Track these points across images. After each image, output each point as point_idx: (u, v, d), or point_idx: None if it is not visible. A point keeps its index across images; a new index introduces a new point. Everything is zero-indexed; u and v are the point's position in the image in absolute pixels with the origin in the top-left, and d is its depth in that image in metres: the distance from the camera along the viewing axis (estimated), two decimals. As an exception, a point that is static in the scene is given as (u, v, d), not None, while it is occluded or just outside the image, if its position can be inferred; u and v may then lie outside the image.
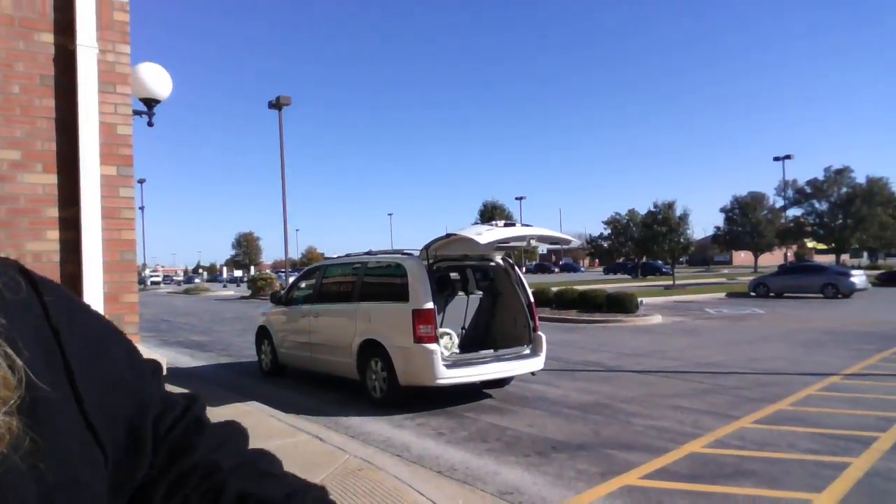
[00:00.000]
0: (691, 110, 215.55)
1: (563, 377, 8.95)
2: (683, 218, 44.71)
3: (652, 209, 47.08)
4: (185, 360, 12.42)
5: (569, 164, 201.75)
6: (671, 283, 36.02)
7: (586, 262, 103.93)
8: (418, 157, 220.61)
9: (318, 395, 8.26)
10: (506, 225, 7.42)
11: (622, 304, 17.94)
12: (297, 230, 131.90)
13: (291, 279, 12.69)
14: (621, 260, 64.40)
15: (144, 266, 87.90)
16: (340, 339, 8.08)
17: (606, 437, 5.88)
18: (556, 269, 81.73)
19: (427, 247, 7.40)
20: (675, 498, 4.37)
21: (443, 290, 7.93)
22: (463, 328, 8.32)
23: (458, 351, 7.65)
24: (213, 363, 11.96)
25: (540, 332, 7.96)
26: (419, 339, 6.89)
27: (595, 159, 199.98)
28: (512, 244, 7.74)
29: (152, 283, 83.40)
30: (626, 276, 54.86)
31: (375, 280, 8.10)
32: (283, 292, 10.30)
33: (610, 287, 28.29)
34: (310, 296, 9.23)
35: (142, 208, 63.63)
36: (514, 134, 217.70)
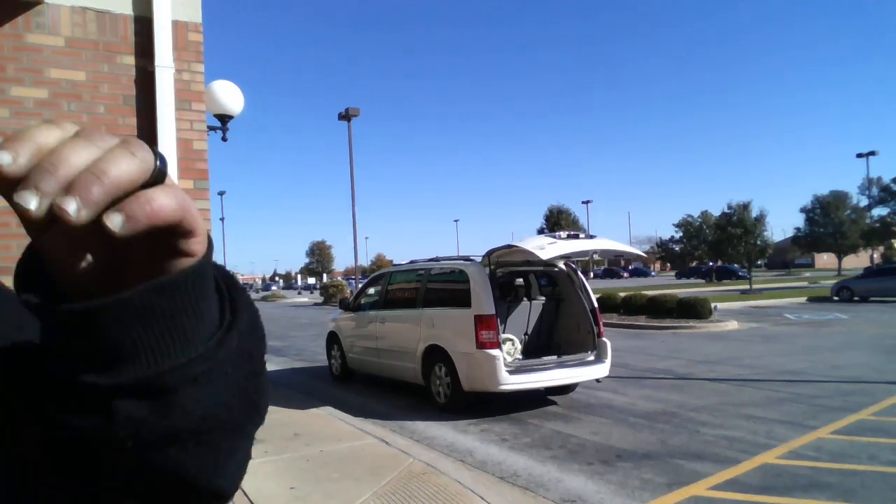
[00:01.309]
0: (768, 104, 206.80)
1: (630, 385, 8.79)
2: (760, 219, 42.84)
3: (726, 210, 45.36)
4: (261, 364, 12.90)
5: (637, 166, 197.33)
6: (748, 287, 34.62)
7: (657, 266, 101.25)
8: (484, 164, 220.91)
9: (386, 400, 8.43)
10: (569, 237, 7.33)
11: (694, 310, 17.40)
12: (366, 238, 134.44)
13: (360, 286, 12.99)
14: (695, 264, 62.46)
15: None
16: (405, 345, 8.22)
17: (674, 446, 5.75)
18: (626, 274, 79.83)
19: (489, 253, 7.45)
20: (746, 511, 4.24)
21: (505, 295, 7.96)
22: (526, 334, 8.31)
23: (520, 357, 7.65)
24: (287, 367, 12.39)
25: (605, 339, 7.85)
26: (481, 345, 6.93)
27: (665, 159, 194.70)
28: (575, 258, 7.70)
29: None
30: (699, 281, 53.10)
31: (438, 286, 8.20)
32: (350, 299, 10.55)
33: (682, 292, 27.50)
34: (376, 302, 9.43)
35: (222, 219, 66.46)
36: (582, 137, 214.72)
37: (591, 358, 7.78)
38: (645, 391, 8.30)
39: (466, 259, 7.91)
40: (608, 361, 7.72)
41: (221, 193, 66.32)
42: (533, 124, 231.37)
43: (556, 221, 61.17)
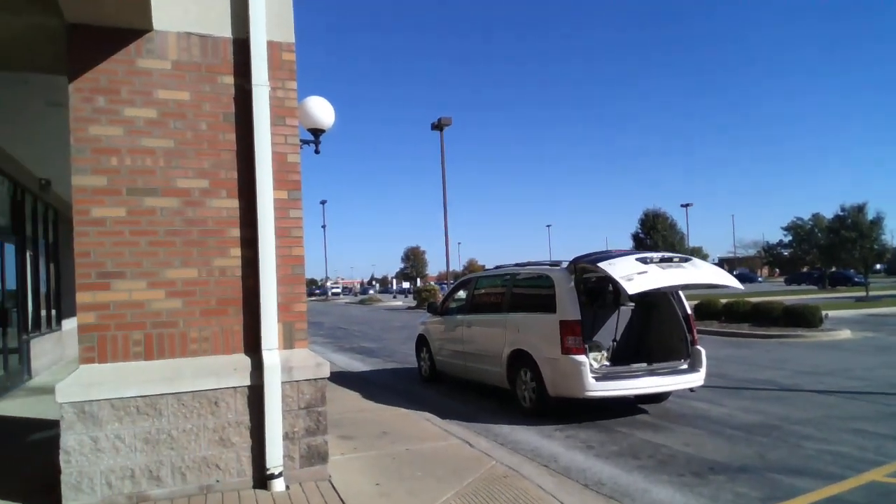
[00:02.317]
0: (883, 99, 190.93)
1: (728, 395, 8.39)
2: (877, 221, 39.70)
3: (839, 213, 42.31)
4: (357, 364, 13.35)
5: (741, 167, 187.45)
6: (864, 294, 32.12)
7: (765, 271, 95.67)
8: (578, 168, 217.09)
9: (473, 402, 8.49)
10: (662, 260, 6.85)
11: (803, 318, 16.34)
12: (458, 243, 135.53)
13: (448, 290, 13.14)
14: (805, 269, 58.58)
15: (327, 279, 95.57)
16: (491, 349, 8.26)
17: (772, 460, 5.45)
18: (730, 280, 76.08)
19: (576, 261, 7.33)
20: (849, 532, 3.97)
21: (593, 301, 7.82)
22: (614, 340, 8.13)
23: (608, 363, 7.49)
24: (379, 368, 12.74)
25: (699, 347, 7.55)
26: (567, 351, 6.86)
27: (772, 160, 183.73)
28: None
29: (333, 293, 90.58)
30: (811, 287, 49.72)
31: (524, 291, 8.18)
32: (439, 303, 10.72)
33: (790, 299, 25.90)
34: (462, 306, 9.54)
35: (323, 227, 69.29)
36: (679, 136, 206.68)
37: (685, 366, 7.51)
38: (744, 402, 7.90)
39: (552, 264, 7.84)
40: (703, 370, 7.43)
41: (323, 202, 69.19)
42: (628, 126, 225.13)
43: (653, 226, 59.07)
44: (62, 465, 4.11)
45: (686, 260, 7.07)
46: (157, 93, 4.66)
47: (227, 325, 4.73)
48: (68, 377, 4.29)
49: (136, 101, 4.59)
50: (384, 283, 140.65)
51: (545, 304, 7.38)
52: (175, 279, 4.62)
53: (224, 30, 4.81)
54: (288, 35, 4.99)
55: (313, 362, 4.80)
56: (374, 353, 15.70)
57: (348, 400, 8.25)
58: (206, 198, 4.74)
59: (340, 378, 10.51)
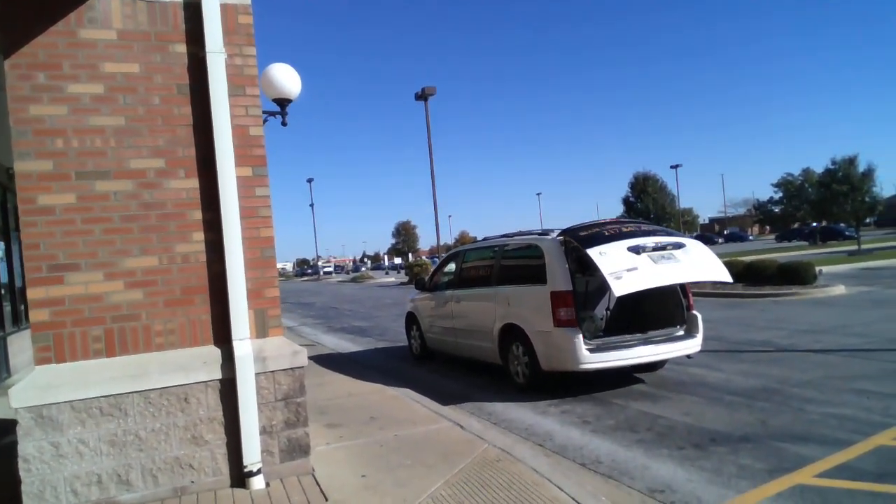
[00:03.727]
0: (872, 51, 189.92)
1: (726, 359, 8.19)
2: (868, 174, 39.46)
3: (830, 166, 42.02)
4: (347, 345, 13.10)
5: (730, 126, 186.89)
6: (856, 248, 32.10)
7: (755, 229, 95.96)
8: (566, 135, 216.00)
9: (465, 380, 8.26)
10: (655, 249, 6.38)
11: (797, 275, 16.20)
12: (449, 216, 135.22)
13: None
14: (797, 226, 58.61)
15: (318, 258, 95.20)
16: (481, 324, 7.99)
17: (775, 427, 5.23)
18: (720, 240, 75.84)
19: (566, 232, 6.98)
20: (859, 500, 3.75)
21: (584, 270, 7.54)
22: (608, 309, 7.87)
23: (602, 334, 7.23)
24: (370, 348, 12.48)
25: (695, 311, 7.31)
26: (559, 323, 6.59)
27: (761, 117, 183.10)
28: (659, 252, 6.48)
29: (325, 272, 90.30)
30: (802, 244, 49.74)
31: (512, 263, 7.89)
32: (427, 279, 10.42)
33: (783, 256, 25.81)
34: (451, 281, 9.25)
35: (311, 205, 68.51)
36: (667, 98, 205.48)
37: (681, 333, 7.28)
38: (742, 366, 7.70)
39: (542, 233, 7.53)
40: (699, 336, 7.20)
41: (310, 181, 68.26)
42: (615, 90, 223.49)
43: (643, 189, 58.87)
44: (22, 474, 3.82)
45: (679, 246, 6.63)
46: (104, 66, 4.27)
47: (194, 315, 4.42)
48: (23, 380, 3.98)
49: (81, 76, 4.21)
50: (376, 259, 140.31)
51: (535, 275, 7.09)
52: (134, 269, 4.29)
53: (172, -7, 4.41)
54: (243, -4, 4.59)
55: (289, 351, 4.51)
56: (366, 332, 15.45)
57: (337, 384, 7.99)
58: (163, 178, 4.39)
59: (330, 361, 10.25)
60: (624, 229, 6.76)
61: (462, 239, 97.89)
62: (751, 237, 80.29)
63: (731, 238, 76.75)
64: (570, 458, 4.84)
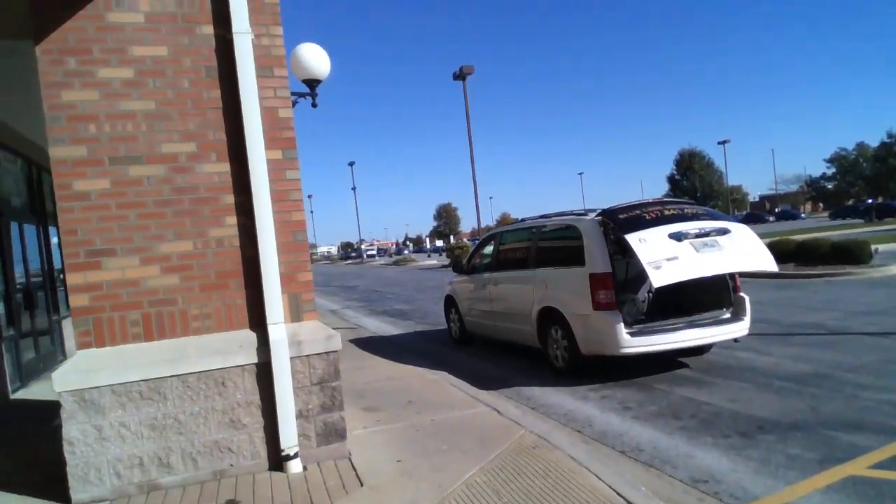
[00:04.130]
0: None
1: (775, 342, 7.89)
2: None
3: (885, 140, 40.12)
4: (388, 328, 13.15)
5: (779, 100, 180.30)
6: (917, 225, 30.67)
7: (808, 207, 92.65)
8: (609, 111, 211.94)
9: (504, 363, 8.17)
10: (698, 236, 6.14)
11: (851, 254, 15.52)
12: (490, 198, 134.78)
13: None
14: (851, 202, 56.33)
15: (362, 241, 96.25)
16: (519, 307, 7.87)
17: (827, 414, 4.99)
18: (771, 218, 73.45)
19: (605, 212, 6.76)
20: (922, 496, 3.54)
21: (625, 252, 7.32)
22: (650, 292, 7.64)
23: (644, 317, 7.03)
24: (411, 331, 12.49)
25: (742, 293, 7.04)
26: (598, 306, 6.42)
27: (813, 89, 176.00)
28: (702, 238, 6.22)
29: (368, 256, 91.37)
30: (857, 221, 47.81)
31: (550, 244, 7.72)
32: (464, 261, 10.33)
33: (836, 234, 24.84)
34: (488, 264, 9.13)
35: (353, 189, 69.10)
36: (714, 73, 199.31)
37: (727, 315, 7.02)
38: (792, 349, 7.40)
39: (579, 214, 7.34)
40: (747, 319, 6.93)
41: (352, 164, 68.85)
42: (659, 63, 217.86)
43: (689, 166, 57.46)
44: (67, 456, 3.90)
45: (723, 232, 6.34)
46: (132, 49, 4.26)
47: (230, 299, 4.43)
48: (65, 364, 4.06)
49: (111, 60, 4.21)
50: (418, 242, 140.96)
51: (573, 256, 6.92)
52: (169, 253, 4.31)
53: (199, -27, 4.36)
54: (269, -25, 4.52)
55: (323, 335, 4.48)
56: (407, 315, 15.48)
57: (376, 367, 8.00)
58: (195, 162, 4.38)
59: (370, 344, 10.29)
60: (666, 212, 6.50)
61: (503, 220, 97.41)
62: (803, 215, 77.50)
63: (782, 216, 74.25)
64: (610, 446, 4.71)
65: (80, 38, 4.15)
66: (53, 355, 10.08)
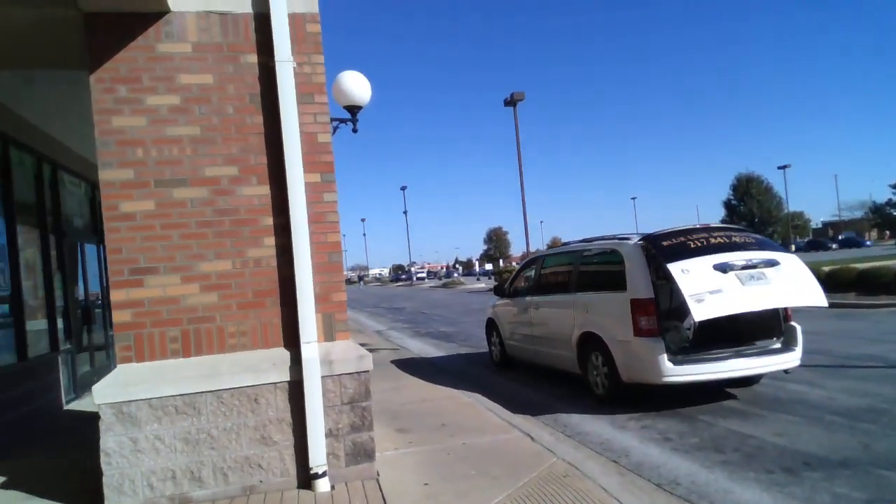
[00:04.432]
0: None
1: (830, 375, 7.53)
2: None
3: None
4: (431, 349, 13.16)
5: (843, 123, 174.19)
6: None
7: (873, 234, 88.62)
8: (663, 139, 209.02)
9: (544, 389, 8.04)
10: (745, 268, 5.97)
11: (918, 284, 14.76)
12: (541, 221, 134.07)
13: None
14: (921, 230, 53.56)
15: (412, 263, 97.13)
16: (560, 332, 7.76)
17: (880, 452, 4.71)
18: (834, 246, 70.56)
19: (648, 237, 6.63)
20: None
21: (669, 277, 7.14)
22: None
23: (689, 345, 6.81)
24: (453, 353, 12.47)
25: (794, 323, 6.77)
26: (639, 332, 6.27)
27: (877, 113, 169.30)
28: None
29: (418, 278, 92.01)
30: (928, 250, 45.49)
31: (592, 269, 7.60)
32: (506, 285, 10.27)
33: (903, 263, 23.63)
34: (530, 287, 9.06)
35: (405, 212, 70.07)
36: (774, 97, 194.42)
37: (777, 345, 6.75)
38: (847, 383, 7.04)
39: (622, 238, 7.21)
40: (799, 349, 6.64)
41: (403, 188, 69.89)
42: (717, 91, 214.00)
43: (746, 191, 55.94)
44: (103, 466, 4.03)
45: (772, 264, 6.14)
46: (180, 78, 4.46)
47: (266, 318, 4.52)
48: (106, 377, 4.20)
49: (159, 88, 4.41)
50: (468, 265, 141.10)
51: (615, 281, 6.80)
52: (209, 272, 4.44)
53: (243, 5, 4.54)
54: (311, 5, 4.67)
55: (355, 355, 4.52)
56: (450, 337, 15.46)
57: (413, 388, 8.00)
58: (237, 185, 4.52)
59: (411, 365, 10.30)
60: (712, 240, 6.31)
61: (553, 244, 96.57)
62: (868, 242, 74.14)
63: (845, 243, 71.20)
64: (646, 478, 4.55)
65: (131, 68, 4.37)
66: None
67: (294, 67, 4.54)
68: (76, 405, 7.99)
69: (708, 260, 5.98)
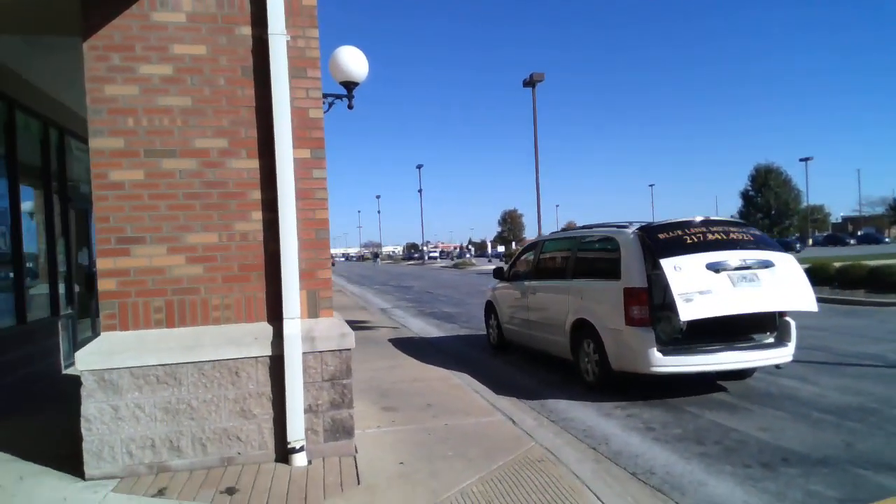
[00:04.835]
0: None
1: (826, 372, 7.46)
2: None
3: None
4: (432, 330, 13.20)
5: (869, 115, 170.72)
6: None
7: (893, 231, 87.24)
8: (684, 122, 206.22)
9: (538, 374, 8.05)
10: (738, 268, 5.96)
11: (929, 284, 14.54)
12: (556, 205, 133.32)
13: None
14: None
15: (426, 243, 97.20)
16: (554, 318, 7.75)
17: (861, 451, 4.67)
18: (852, 241, 69.60)
19: (645, 227, 6.57)
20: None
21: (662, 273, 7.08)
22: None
23: (681, 336, 6.77)
24: (453, 334, 12.50)
25: (788, 318, 6.70)
26: (631, 321, 6.24)
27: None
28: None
29: (429, 257, 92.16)
30: (948, 249, 44.72)
31: (588, 256, 7.56)
32: (506, 268, 10.24)
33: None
34: (528, 272, 9.03)
35: (420, 191, 69.80)
36: (799, 90, 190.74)
37: (770, 340, 6.70)
38: (842, 381, 6.98)
39: (620, 226, 7.15)
40: (792, 345, 6.58)
41: (419, 167, 69.49)
42: (739, 74, 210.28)
43: (764, 182, 55.19)
44: (83, 432, 4.10)
45: (766, 265, 6.12)
46: (173, 48, 4.44)
47: (250, 292, 4.54)
48: (89, 344, 4.25)
49: (152, 57, 4.40)
50: (482, 247, 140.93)
51: (609, 269, 6.76)
52: (196, 244, 4.46)
53: (239, -25, 4.50)
54: (307, -21, 4.62)
55: (338, 332, 4.54)
56: (453, 318, 15.49)
57: (407, 368, 8.04)
58: (226, 158, 4.52)
59: (409, 345, 10.34)
60: (709, 236, 6.25)
61: (568, 228, 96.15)
62: (887, 239, 73.09)
63: (864, 239, 70.20)
64: (622, 466, 4.56)
65: (125, 36, 4.36)
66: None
67: (287, 41, 4.52)
68: (74, 370, 8.11)
69: (701, 258, 5.97)
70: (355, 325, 12.92)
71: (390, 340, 10.68)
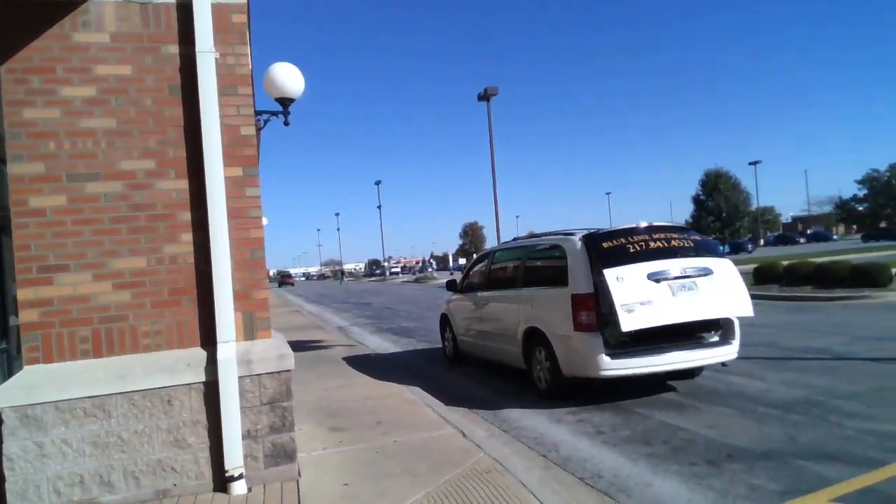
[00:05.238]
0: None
1: (772, 367, 7.61)
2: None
3: (921, 161, 39.06)
4: (388, 345, 13.04)
5: (815, 118, 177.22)
6: (950, 248, 29.64)
7: (840, 229, 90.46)
8: (638, 135, 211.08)
9: (493, 385, 8.01)
10: (678, 277, 6.11)
11: (870, 277, 15.04)
12: (517, 216, 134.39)
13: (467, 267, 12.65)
14: (883, 225, 54.82)
15: (387, 258, 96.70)
16: (507, 327, 7.74)
17: (803, 443, 4.75)
18: (802, 240, 71.86)
19: (591, 235, 6.61)
20: (884, 535, 3.32)
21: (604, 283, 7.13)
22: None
23: (629, 339, 6.82)
24: (410, 349, 12.38)
25: (731, 317, 6.81)
26: (579, 327, 6.26)
27: (846, 110, 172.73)
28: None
29: (391, 273, 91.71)
30: (891, 244, 46.50)
31: (537, 264, 7.58)
32: (458, 280, 10.21)
33: (862, 257, 24.16)
34: (481, 283, 9.02)
35: (379, 207, 69.60)
36: (747, 95, 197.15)
37: (715, 339, 6.81)
38: (787, 375, 7.12)
39: (566, 234, 7.19)
40: (736, 342, 6.70)
41: (377, 183, 69.34)
42: (691, 82, 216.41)
43: (715, 186, 56.64)
44: (6, 472, 3.88)
45: (705, 273, 6.28)
46: (96, 69, 4.30)
47: (181, 316, 4.39)
48: (10, 379, 4.05)
49: (74, 79, 4.25)
50: (444, 260, 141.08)
51: (557, 277, 6.78)
52: (122, 269, 4.30)
53: (164, -6, 4.40)
54: (236, -5, 4.54)
55: (276, 354, 4.41)
56: (411, 332, 15.38)
57: (360, 386, 7.90)
58: (153, 179, 4.38)
59: (364, 362, 10.19)
60: (652, 244, 6.35)
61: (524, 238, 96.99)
62: (835, 237, 75.68)
63: (813, 238, 72.60)
64: (570, 472, 4.53)
65: (44, 58, 4.20)
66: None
67: (217, 58, 4.42)
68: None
69: (643, 268, 6.11)
70: (310, 345, 12.76)
71: (345, 359, 10.52)
